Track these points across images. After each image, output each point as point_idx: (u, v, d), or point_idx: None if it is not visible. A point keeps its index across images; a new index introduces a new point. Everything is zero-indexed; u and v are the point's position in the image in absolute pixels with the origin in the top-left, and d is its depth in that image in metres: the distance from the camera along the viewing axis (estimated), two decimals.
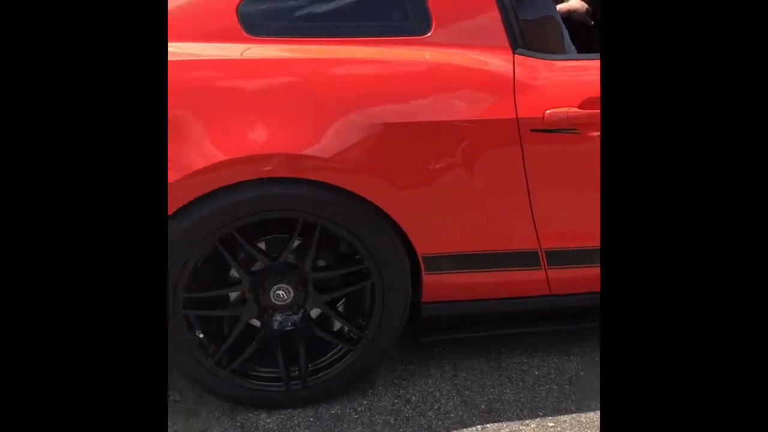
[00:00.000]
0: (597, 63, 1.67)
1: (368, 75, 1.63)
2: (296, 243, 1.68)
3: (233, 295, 1.75)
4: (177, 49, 1.53)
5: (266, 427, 1.74)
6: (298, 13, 1.65)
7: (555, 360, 1.95)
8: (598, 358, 1.96)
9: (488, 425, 1.74)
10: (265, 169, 1.54)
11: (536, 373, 1.91)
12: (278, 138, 1.55)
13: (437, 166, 1.64)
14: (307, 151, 1.56)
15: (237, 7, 1.60)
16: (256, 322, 1.76)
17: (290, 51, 1.61)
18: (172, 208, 1.53)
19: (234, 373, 1.74)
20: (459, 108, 1.64)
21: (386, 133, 1.60)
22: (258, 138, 1.55)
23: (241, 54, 1.58)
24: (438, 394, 1.86)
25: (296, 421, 1.76)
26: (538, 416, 1.77)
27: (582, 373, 1.90)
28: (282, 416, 1.77)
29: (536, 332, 1.97)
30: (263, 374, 1.78)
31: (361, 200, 1.61)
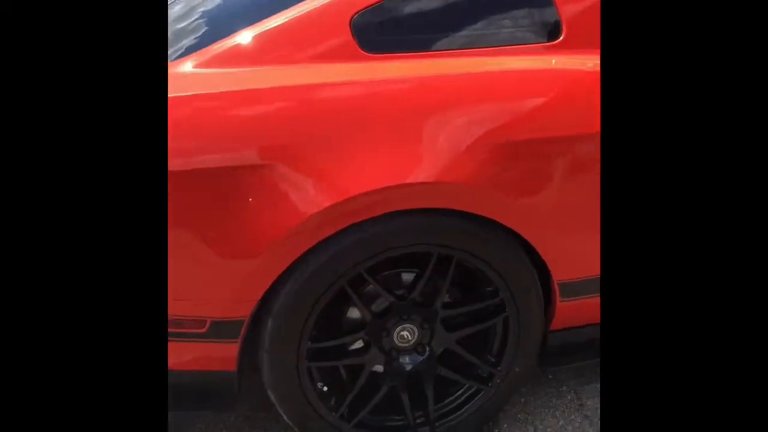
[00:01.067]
0: None
1: (499, 89, 1.47)
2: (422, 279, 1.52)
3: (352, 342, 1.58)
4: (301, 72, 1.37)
5: None
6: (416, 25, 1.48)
7: None
8: None
9: None
10: (400, 201, 1.38)
11: None
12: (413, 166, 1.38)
13: (569, 184, 1.50)
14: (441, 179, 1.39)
15: (350, 21, 1.43)
16: (379, 368, 1.59)
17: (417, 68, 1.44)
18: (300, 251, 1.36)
19: (359, 426, 1.57)
20: (592, 119, 1.50)
21: (517, 152, 1.44)
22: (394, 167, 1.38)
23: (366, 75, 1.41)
24: (570, 427, 1.72)
25: None
26: None
27: None
28: None
29: None
30: (388, 424, 1.61)
31: (498, 227, 1.46)
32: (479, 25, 1.49)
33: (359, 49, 1.42)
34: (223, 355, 1.47)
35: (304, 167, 1.34)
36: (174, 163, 1.29)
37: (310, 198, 1.34)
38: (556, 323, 1.65)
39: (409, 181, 1.37)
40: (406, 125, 1.38)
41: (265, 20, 1.45)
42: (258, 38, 1.43)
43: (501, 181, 1.42)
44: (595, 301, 1.62)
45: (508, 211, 1.45)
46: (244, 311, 1.42)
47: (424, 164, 1.38)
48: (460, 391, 1.65)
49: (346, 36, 1.42)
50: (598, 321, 1.69)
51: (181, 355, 1.47)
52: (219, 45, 1.43)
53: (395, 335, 1.55)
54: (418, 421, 1.62)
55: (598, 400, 1.78)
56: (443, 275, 1.50)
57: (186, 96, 1.35)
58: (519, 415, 1.76)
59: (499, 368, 1.61)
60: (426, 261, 1.48)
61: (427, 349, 1.59)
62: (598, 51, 1.48)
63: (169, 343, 1.44)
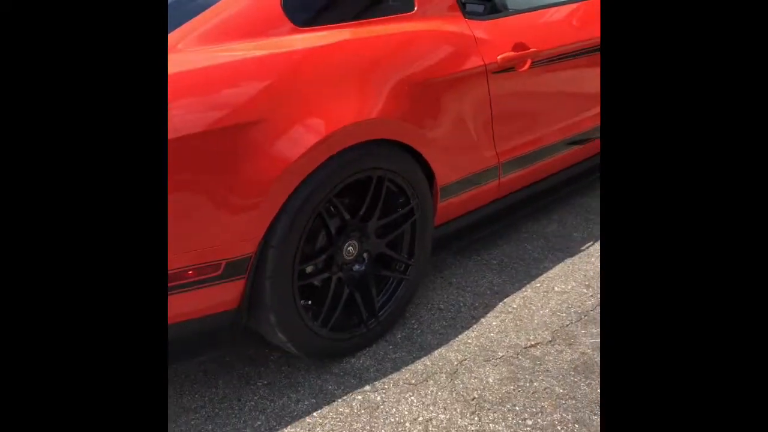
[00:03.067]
0: (517, 16, 2.39)
1: (387, 46, 1.97)
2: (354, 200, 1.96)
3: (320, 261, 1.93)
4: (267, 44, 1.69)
5: (358, 366, 2.00)
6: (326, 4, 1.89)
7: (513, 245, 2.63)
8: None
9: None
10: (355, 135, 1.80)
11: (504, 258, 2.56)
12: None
13: (444, 110, 2.09)
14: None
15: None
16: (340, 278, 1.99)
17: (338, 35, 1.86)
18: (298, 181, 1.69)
19: (333, 329, 1.95)
20: (446, 64, 2.10)
21: (412, 90, 1.98)
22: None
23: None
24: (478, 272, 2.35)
25: (382, 353, 2.06)
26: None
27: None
28: (371, 353, 2.05)
29: (497, 229, 2.60)
30: (350, 323, 2.02)
31: (408, 150, 1.98)
32: (366, 3, 1.98)
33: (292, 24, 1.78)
34: (233, 293, 1.71)
35: (281, 124, 1.66)
36: (181, 129, 1.51)
37: (294, 144, 1.68)
38: (437, 220, 2.25)
39: (355, 120, 1.80)
40: (343, 79, 1.81)
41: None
42: (217, 23, 1.68)
43: (412, 115, 1.95)
44: (456, 199, 2.26)
45: (418, 136, 1.98)
46: (250, 249, 1.68)
47: (362, 106, 1.82)
48: (389, 285, 2.13)
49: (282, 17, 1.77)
50: (457, 215, 2.34)
51: (197, 303, 1.66)
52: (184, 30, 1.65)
53: (344, 251, 1.96)
54: (365, 318, 2.06)
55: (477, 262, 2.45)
56: (375, 196, 1.96)
57: (185, 70, 1.56)
58: (444, 286, 2.32)
59: (413, 259, 2.14)
60: (367, 186, 1.92)
61: (365, 256, 2.04)
62: (445, 19, 2.10)
63: (187, 293, 1.63)
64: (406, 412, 1.82)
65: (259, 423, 1.80)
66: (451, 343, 2.10)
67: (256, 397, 1.89)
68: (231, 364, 2.02)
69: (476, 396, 1.87)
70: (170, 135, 1.50)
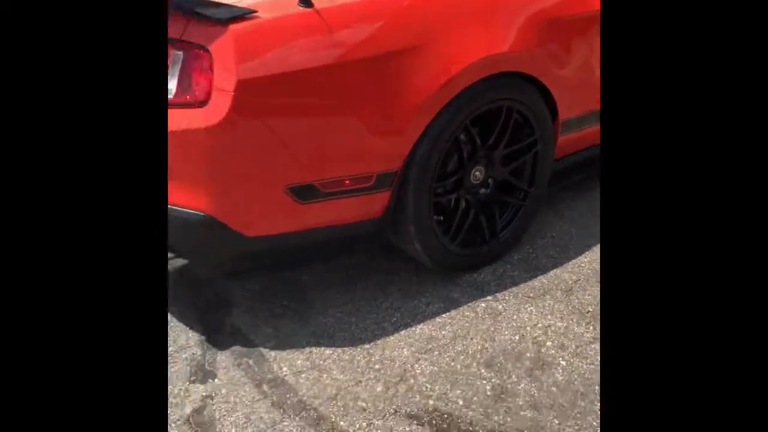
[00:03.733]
0: None
1: None
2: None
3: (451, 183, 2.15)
4: None
5: (480, 281, 2.22)
6: None
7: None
8: None
9: None
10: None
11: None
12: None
13: (568, 48, 2.23)
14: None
15: None
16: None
17: None
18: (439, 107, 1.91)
19: (460, 244, 2.17)
20: (573, 3, 2.23)
21: (541, 27, 2.12)
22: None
23: None
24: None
25: (501, 270, 2.27)
26: None
27: None
28: (491, 270, 2.26)
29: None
30: (474, 240, 2.24)
31: (535, 83, 2.14)
32: None
33: None
34: (380, 204, 1.96)
35: (431, 53, 1.87)
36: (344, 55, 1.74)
37: (438, 73, 1.88)
38: (557, 154, 2.41)
39: (488, 54, 1.98)
40: (479, 17, 1.98)
41: None
42: None
43: (540, 51, 2.11)
44: (574, 135, 2.40)
45: (544, 70, 2.14)
46: (397, 165, 1.92)
47: (495, 41, 2.00)
48: (509, 211, 2.32)
49: None
50: (576, 150, 2.49)
51: (351, 209, 1.92)
52: None
53: (472, 175, 2.17)
54: (487, 238, 2.27)
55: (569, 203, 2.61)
56: (504, 126, 2.14)
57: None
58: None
59: (532, 188, 2.32)
60: (497, 116, 2.10)
61: (490, 182, 2.24)
62: None
63: (343, 200, 1.89)
64: (526, 319, 2.03)
65: (395, 319, 2.06)
66: (565, 265, 2.28)
67: (390, 300, 2.15)
68: (367, 273, 2.28)
69: (591, 310, 2.06)
70: (338, 60, 1.74)
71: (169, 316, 2.09)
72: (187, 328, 2.04)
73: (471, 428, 1.67)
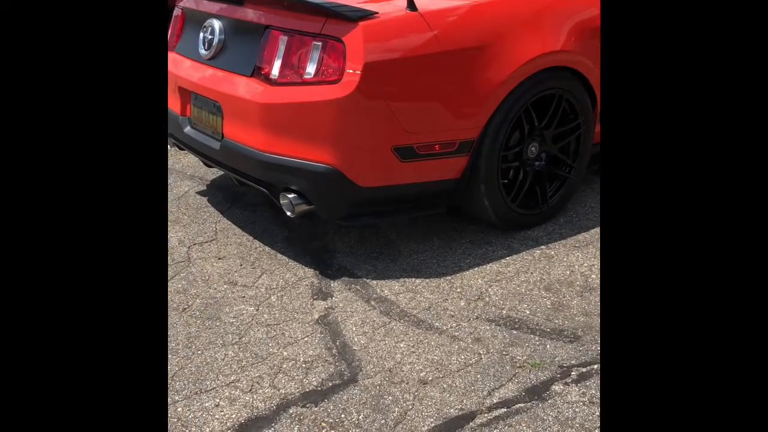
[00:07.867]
0: None
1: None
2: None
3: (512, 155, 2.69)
4: None
5: (534, 235, 2.74)
6: None
7: None
8: None
9: None
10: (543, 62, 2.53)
11: None
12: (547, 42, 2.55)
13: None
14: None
15: None
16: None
17: None
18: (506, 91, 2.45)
19: (520, 205, 2.70)
20: None
21: (583, 30, 2.68)
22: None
23: None
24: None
25: (551, 229, 2.78)
26: None
27: None
28: (543, 228, 2.78)
29: None
30: (529, 202, 2.77)
31: (579, 75, 2.69)
32: None
33: None
34: (460, 166, 2.50)
35: (503, 48, 2.43)
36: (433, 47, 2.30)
37: (507, 64, 2.44)
38: (596, 139, 2.94)
39: (543, 51, 2.53)
40: (537, 21, 2.55)
41: None
42: None
43: (583, 49, 2.66)
44: None
45: (587, 67, 2.69)
46: (475, 134, 2.47)
47: (549, 41, 2.56)
48: (557, 182, 2.85)
49: None
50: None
51: (438, 169, 2.46)
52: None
53: (529, 150, 2.71)
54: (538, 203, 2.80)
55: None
56: (555, 110, 2.68)
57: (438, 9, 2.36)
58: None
59: (576, 163, 2.85)
60: (551, 101, 2.65)
61: (543, 156, 2.77)
62: None
63: (433, 161, 2.43)
64: (574, 260, 2.54)
65: (468, 261, 2.58)
66: None
67: (462, 248, 2.67)
68: (441, 227, 2.81)
69: None
70: (435, 50, 2.30)
71: (286, 258, 2.63)
72: (303, 266, 2.58)
73: (537, 327, 2.18)
